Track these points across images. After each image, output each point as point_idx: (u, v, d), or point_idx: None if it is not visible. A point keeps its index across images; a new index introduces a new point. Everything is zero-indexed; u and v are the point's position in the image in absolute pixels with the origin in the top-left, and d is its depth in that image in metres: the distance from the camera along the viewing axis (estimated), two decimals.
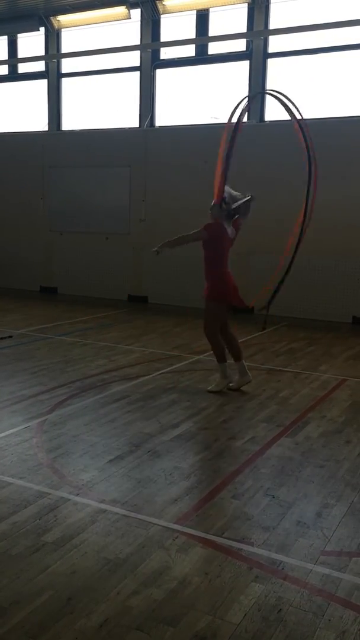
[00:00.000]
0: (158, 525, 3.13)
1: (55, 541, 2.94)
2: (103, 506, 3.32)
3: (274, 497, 3.49)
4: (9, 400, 5.11)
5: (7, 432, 4.37)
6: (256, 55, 9.80)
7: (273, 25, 9.69)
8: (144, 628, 2.36)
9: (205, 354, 7.04)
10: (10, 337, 7.61)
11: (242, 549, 2.95)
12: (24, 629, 2.33)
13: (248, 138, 9.90)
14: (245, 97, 5.97)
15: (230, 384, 5.65)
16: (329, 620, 2.44)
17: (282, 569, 2.79)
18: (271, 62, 9.84)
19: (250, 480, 3.72)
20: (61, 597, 2.53)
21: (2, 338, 7.51)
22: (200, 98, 10.54)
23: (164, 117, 10.83)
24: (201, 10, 10.04)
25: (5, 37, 11.93)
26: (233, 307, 5.79)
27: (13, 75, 12.19)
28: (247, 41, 9.87)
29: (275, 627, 2.39)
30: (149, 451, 4.13)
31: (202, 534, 3.06)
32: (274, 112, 9.88)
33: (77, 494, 3.44)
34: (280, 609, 2.50)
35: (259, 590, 2.62)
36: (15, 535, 2.98)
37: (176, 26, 10.42)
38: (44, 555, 2.82)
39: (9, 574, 2.67)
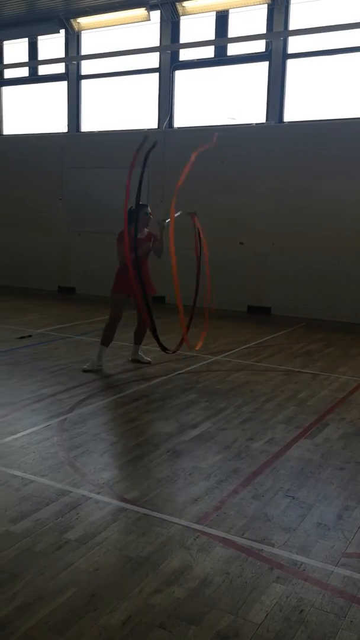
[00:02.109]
0: (179, 524, 3.15)
1: (77, 539, 2.97)
2: (124, 505, 3.34)
3: (294, 499, 3.50)
4: (29, 399, 5.17)
5: (28, 431, 4.42)
6: (275, 56, 9.80)
7: (293, 25, 9.68)
8: (167, 626, 2.38)
9: (223, 355, 7.06)
10: (30, 336, 7.68)
11: (262, 549, 2.96)
12: (49, 625, 2.36)
13: (265, 139, 9.92)
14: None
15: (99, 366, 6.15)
16: (351, 621, 2.44)
17: (303, 570, 2.80)
18: (291, 63, 9.82)
19: (270, 481, 3.73)
20: (84, 594, 2.56)
21: (21, 337, 7.58)
22: (219, 99, 10.56)
23: (182, 118, 10.86)
24: (221, 11, 10.06)
25: (26, 39, 12.03)
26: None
27: (33, 77, 12.30)
28: (266, 42, 9.87)
29: (297, 628, 2.40)
30: (168, 451, 4.15)
31: (223, 534, 3.07)
32: (292, 113, 9.88)
33: (98, 493, 3.48)
34: (302, 610, 2.50)
35: (280, 591, 2.63)
36: (39, 532, 3.02)
37: (195, 27, 10.45)
38: (66, 552, 2.85)
39: (33, 570, 2.70)
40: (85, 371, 6.08)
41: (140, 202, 6.11)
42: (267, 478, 3.77)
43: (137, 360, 6.53)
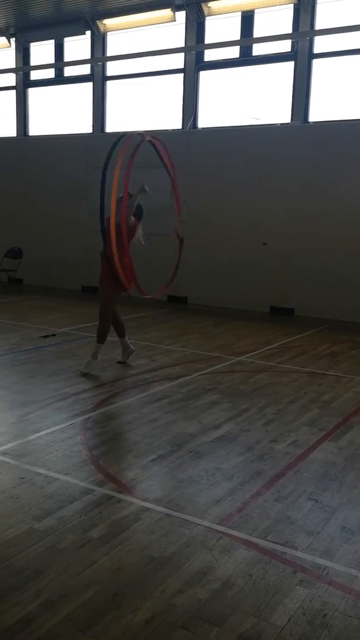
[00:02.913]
0: (201, 525, 3.15)
1: (100, 537, 2.99)
2: (146, 504, 3.36)
3: (317, 502, 3.47)
4: (53, 397, 5.21)
5: (52, 429, 4.46)
6: (301, 56, 9.74)
7: (319, 25, 9.61)
8: (189, 626, 2.38)
9: (246, 356, 7.04)
10: (54, 335, 7.75)
11: (285, 552, 2.94)
12: (73, 622, 2.38)
13: (289, 139, 9.86)
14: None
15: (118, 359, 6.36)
16: None
17: (327, 574, 2.78)
18: (316, 63, 9.75)
19: (293, 483, 3.71)
20: (107, 592, 2.57)
21: (45, 336, 7.65)
22: (243, 99, 10.53)
23: (206, 119, 10.86)
24: (246, 11, 10.03)
25: (52, 41, 12.14)
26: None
27: (59, 79, 12.41)
28: (292, 42, 9.81)
29: (321, 632, 2.38)
30: (190, 451, 4.15)
31: (246, 536, 3.06)
32: (317, 113, 9.81)
33: (121, 492, 3.49)
34: (326, 614, 2.49)
35: (304, 594, 2.61)
36: (62, 530, 3.04)
37: (221, 28, 10.44)
38: (90, 550, 2.87)
39: (57, 567, 2.73)
40: (83, 374, 5.92)
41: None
42: (291, 480, 3.75)
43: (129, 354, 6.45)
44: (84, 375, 5.92)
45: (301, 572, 2.78)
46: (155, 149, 6.27)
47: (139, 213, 6.24)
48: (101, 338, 6.12)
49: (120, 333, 6.40)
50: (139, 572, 2.72)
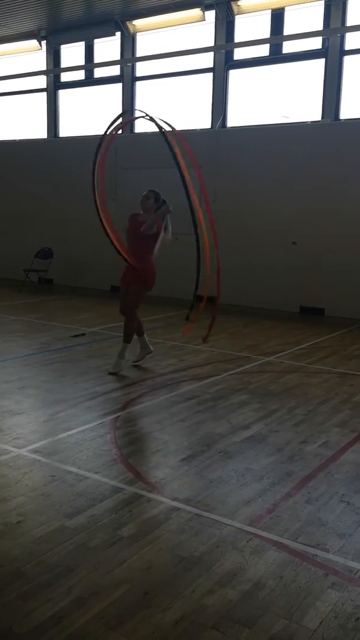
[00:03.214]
0: (231, 526, 3.14)
1: (131, 536, 3.00)
2: (176, 504, 3.36)
3: (349, 504, 3.43)
4: (84, 396, 5.25)
5: (82, 427, 4.49)
6: (332, 52, 9.63)
7: (350, 21, 9.49)
8: (220, 627, 2.37)
9: (275, 356, 6.99)
10: (84, 334, 7.81)
11: (317, 554, 2.91)
12: (103, 620, 2.39)
13: (320, 137, 9.76)
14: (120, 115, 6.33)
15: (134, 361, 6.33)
16: None
17: (359, 577, 2.74)
18: (348, 60, 9.63)
19: (324, 485, 3.67)
20: (138, 591, 2.58)
21: (76, 335, 7.71)
22: (273, 97, 10.46)
23: (236, 118, 10.81)
24: (276, 9, 9.95)
25: (82, 42, 12.23)
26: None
27: (89, 80, 12.50)
28: (322, 39, 9.71)
29: (353, 636, 2.35)
30: (220, 451, 4.14)
31: (276, 538, 3.04)
32: (348, 110, 9.69)
33: (151, 491, 3.50)
34: (358, 618, 2.45)
35: (336, 597, 2.58)
36: (93, 528, 3.06)
37: (251, 26, 10.38)
38: (120, 549, 2.88)
39: (88, 565, 2.74)
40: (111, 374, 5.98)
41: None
42: (321, 482, 3.71)
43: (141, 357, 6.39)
44: (113, 374, 5.95)
45: (333, 575, 2.74)
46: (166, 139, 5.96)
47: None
48: (128, 337, 6.14)
49: (139, 332, 6.35)
50: (169, 572, 2.72)
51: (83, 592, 2.56)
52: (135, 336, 6.26)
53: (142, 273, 6.05)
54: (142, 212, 6.30)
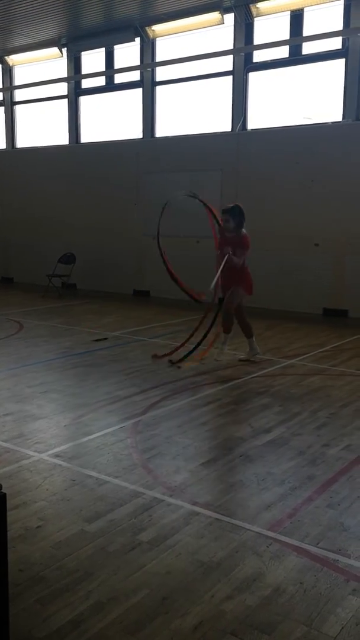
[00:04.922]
0: (251, 530, 3.12)
1: (150, 541, 3.00)
2: (196, 509, 3.34)
3: None
4: (105, 401, 5.27)
5: (103, 432, 4.51)
6: (353, 52, 9.54)
7: None
8: (238, 633, 2.36)
9: (298, 358, 6.93)
10: (106, 339, 7.85)
11: (338, 560, 2.87)
12: (122, 625, 2.39)
13: (341, 138, 9.67)
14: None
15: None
16: None
17: None
18: None
19: (347, 489, 3.62)
20: (156, 596, 2.57)
21: (98, 340, 7.76)
22: (294, 99, 10.40)
23: (256, 120, 10.78)
24: (295, 10, 9.90)
25: (103, 49, 12.33)
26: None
27: (110, 86, 12.58)
28: (342, 39, 9.62)
29: None
30: (241, 455, 4.12)
31: (297, 543, 3.01)
32: None
33: (171, 495, 3.49)
34: None
35: (357, 604, 2.54)
36: (112, 532, 3.07)
37: (270, 28, 10.35)
38: (139, 553, 2.88)
39: (107, 570, 2.75)
40: (241, 360, 6.69)
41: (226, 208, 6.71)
42: (344, 486, 3.66)
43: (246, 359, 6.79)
44: (242, 360, 6.65)
45: (354, 581, 2.70)
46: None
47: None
48: (247, 333, 6.74)
49: (247, 334, 6.83)
50: (188, 577, 2.71)
51: (102, 596, 2.56)
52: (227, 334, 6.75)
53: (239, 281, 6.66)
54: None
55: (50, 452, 4.12)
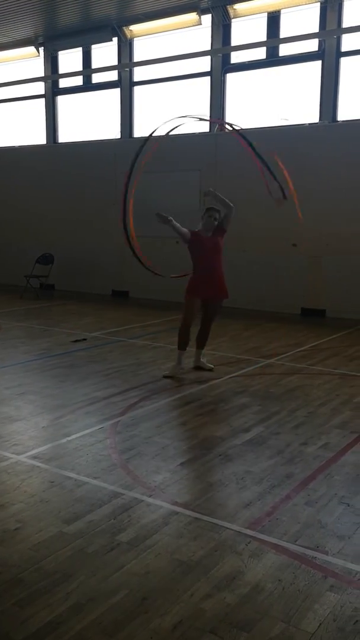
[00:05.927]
0: (230, 529, 3.13)
1: (129, 541, 2.99)
2: (175, 508, 3.35)
3: (349, 506, 3.41)
4: (84, 402, 5.25)
5: (82, 433, 4.49)
6: (329, 54, 9.64)
7: (347, 23, 9.49)
8: (218, 631, 2.36)
9: (276, 358, 6.98)
10: (84, 340, 7.81)
11: (316, 557, 2.90)
12: (101, 626, 2.38)
13: (318, 139, 9.76)
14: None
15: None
16: None
17: (359, 579, 2.72)
18: (344, 61, 9.64)
19: (324, 487, 3.65)
20: (136, 596, 2.57)
21: (76, 341, 7.72)
22: (271, 100, 10.47)
23: (234, 121, 10.81)
24: (272, 12, 9.97)
25: (80, 48, 12.27)
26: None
27: (87, 86, 12.54)
28: (319, 41, 9.72)
29: (352, 639, 2.34)
30: (220, 455, 4.13)
31: (275, 540, 3.03)
32: (346, 112, 9.69)
33: (150, 495, 3.49)
34: (357, 621, 2.44)
35: (335, 600, 2.56)
36: (91, 533, 3.05)
37: (247, 29, 10.40)
38: (118, 554, 2.88)
39: (85, 571, 2.74)
40: (165, 377, 6.04)
41: (210, 207, 6.48)
42: (321, 484, 3.69)
43: (199, 367, 6.39)
44: (167, 377, 6.02)
45: (332, 578, 2.73)
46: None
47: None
48: (180, 345, 6.20)
49: (199, 344, 6.48)
50: (167, 577, 2.71)
51: (81, 598, 2.55)
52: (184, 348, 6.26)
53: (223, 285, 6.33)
54: (201, 229, 6.39)
55: (29, 453, 4.09)
